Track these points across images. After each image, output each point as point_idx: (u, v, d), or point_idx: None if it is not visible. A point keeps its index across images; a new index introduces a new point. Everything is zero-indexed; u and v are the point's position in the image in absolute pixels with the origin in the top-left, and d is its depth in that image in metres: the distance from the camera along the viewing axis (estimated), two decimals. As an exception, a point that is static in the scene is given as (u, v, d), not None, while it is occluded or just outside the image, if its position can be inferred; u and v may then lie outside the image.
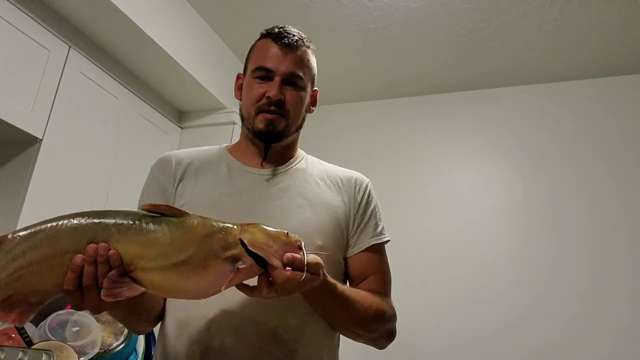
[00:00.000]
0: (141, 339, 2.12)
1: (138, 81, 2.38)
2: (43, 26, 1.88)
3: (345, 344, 1.07)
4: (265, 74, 1.02)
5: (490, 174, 2.65)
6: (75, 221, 0.71)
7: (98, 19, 2.01)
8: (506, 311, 2.36)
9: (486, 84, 2.79)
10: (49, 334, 1.80)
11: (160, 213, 0.74)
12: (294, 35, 1.04)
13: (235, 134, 2.56)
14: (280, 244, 0.73)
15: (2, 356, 1.52)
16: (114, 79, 2.21)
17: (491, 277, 2.44)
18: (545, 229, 2.45)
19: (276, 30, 1.05)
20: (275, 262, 0.71)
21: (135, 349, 2.05)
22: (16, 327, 1.76)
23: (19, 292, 0.68)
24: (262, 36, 1.08)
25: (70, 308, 0.75)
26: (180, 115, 2.69)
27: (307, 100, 1.08)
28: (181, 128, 2.65)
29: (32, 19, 1.84)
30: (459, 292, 2.46)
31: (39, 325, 1.88)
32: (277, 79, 1.01)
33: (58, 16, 1.96)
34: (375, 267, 1.04)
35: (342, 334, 1.01)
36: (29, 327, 1.87)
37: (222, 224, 0.74)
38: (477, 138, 2.74)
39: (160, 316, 0.99)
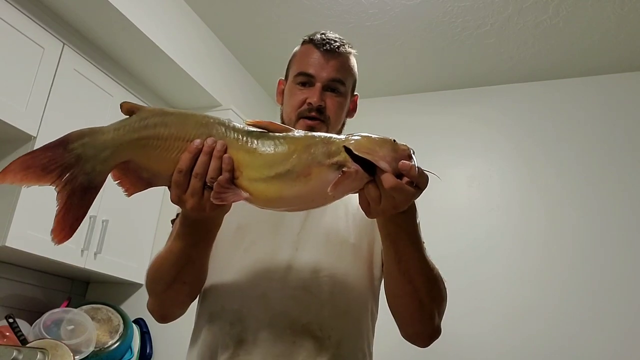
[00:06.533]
0: (136, 338, 2.12)
1: (133, 78, 2.37)
2: (37, 23, 1.87)
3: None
4: (306, 80, 1.03)
5: (486, 172, 2.65)
6: (203, 116, 0.75)
7: (92, 16, 2.00)
8: (506, 309, 2.37)
9: (483, 82, 2.79)
10: (43, 332, 1.79)
11: (264, 128, 0.75)
12: (335, 42, 1.04)
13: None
14: (387, 150, 0.69)
15: (-3, 355, 1.51)
16: (109, 76, 2.20)
17: (490, 274, 2.45)
18: (544, 226, 2.45)
19: (318, 36, 1.06)
20: (384, 164, 0.67)
21: (130, 348, 2.05)
22: (11, 326, 1.75)
23: (136, 161, 0.72)
24: (304, 42, 1.08)
25: (171, 200, 0.75)
26: (175, 113, 2.67)
27: (348, 105, 1.10)
28: (176, 125, 2.64)
29: (26, 16, 1.83)
30: (458, 288, 2.46)
31: (34, 324, 1.87)
32: (318, 85, 1.02)
33: (52, 13, 1.95)
34: None
35: (396, 294, 0.90)
36: (24, 326, 1.87)
37: (325, 135, 0.73)
38: (473, 136, 2.74)
39: (195, 295, 0.97)
